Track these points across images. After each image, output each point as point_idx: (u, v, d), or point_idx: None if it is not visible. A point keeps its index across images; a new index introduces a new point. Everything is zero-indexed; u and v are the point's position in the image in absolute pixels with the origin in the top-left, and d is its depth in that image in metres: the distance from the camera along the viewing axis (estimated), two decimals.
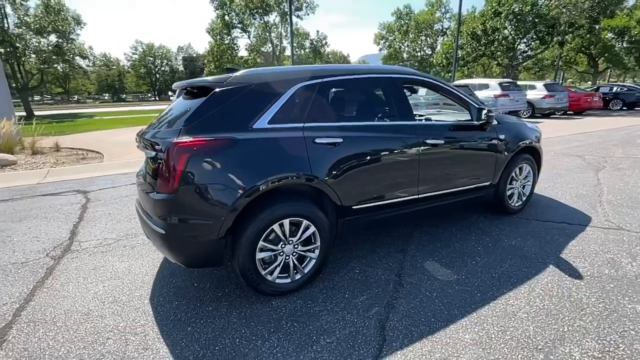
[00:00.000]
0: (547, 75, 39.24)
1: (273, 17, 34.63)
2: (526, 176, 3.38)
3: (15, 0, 21.44)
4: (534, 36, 24.98)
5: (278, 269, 2.05)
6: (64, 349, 1.71)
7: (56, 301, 2.13)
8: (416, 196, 2.56)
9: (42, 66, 24.34)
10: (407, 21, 38.83)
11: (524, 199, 3.43)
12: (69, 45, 23.81)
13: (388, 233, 2.99)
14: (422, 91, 8.50)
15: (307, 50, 37.97)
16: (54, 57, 23.46)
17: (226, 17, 33.77)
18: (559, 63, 29.04)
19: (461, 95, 2.87)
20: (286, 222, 1.98)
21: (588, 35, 23.27)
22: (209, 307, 2.02)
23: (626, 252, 2.54)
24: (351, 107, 2.56)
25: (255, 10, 32.88)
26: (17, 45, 21.27)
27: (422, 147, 2.47)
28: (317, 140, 2.04)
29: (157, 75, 61.50)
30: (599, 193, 3.98)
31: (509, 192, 3.26)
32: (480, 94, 11.82)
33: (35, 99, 49.62)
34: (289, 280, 2.10)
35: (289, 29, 19.18)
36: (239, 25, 34.63)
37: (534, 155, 3.39)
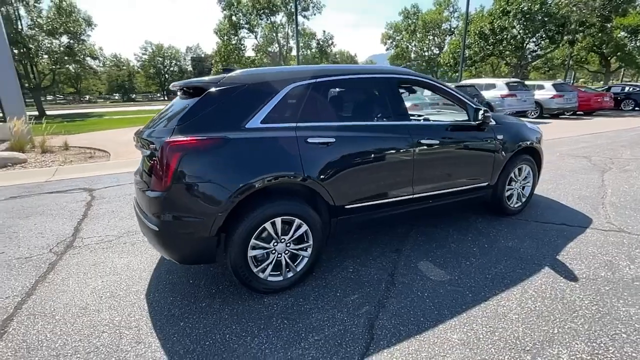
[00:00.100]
0: (559, 75, 38.57)
1: (280, 17, 34.80)
2: (526, 177, 3.35)
3: (29, 2, 21.98)
4: (544, 35, 24.59)
5: (270, 267, 2.08)
6: (61, 341, 1.76)
7: (56, 295, 2.19)
8: (411, 196, 2.56)
9: (53, 66, 24.90)
10: (414, 20, 38.61)
11: (523, 200, 3.40)
12: (79, 46, 24.30)
13: (384, 233, 2.99)
14: (427, 91, 8.50)
15: (313, 50, 38.02)
16: (65, 57, 23.99)
17: (233, 18, 34.01)
18: (570, 62, 28.51)
19: (458, 95, 2.86)
20: (278, 220, 2.01)
21: (600, 34, 22.81)
22: (202, 304, 2.06)
23: (625, 255, 2.51)
24: (345, 107, 2.58)
25: (262, 11, 33.06)
26: (30, 46, 21.82)
27: (416, 147, 2.47)
28: (310, 140, 2.06)
29: (166, 75, 62.23)
30: (602, 195, 3.91)
31: (507, 193, 3.23)
32: (487, 94, 11.70)
33: (48, 98, 50.83)
34: (281, 278, 2.13)
35: (295, 29, 19.23)
36: (246, 25, 34.86)
37: (534, 156, 3.35)
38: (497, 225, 3.13)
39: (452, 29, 36.65)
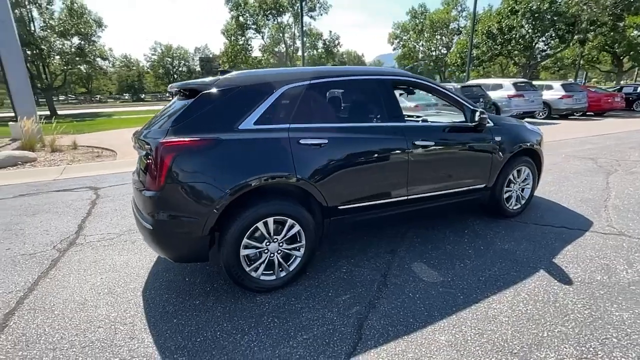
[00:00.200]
0: (570, 75, 37.88)
1: (286, 18, 34.95)
2: (525, 179, 3.32)
3: (42, 4, 22.48)
4: (553, 34, 24.16)
5: (263, 266, 2.11)
6: (58, 335, 1.82)
7: (57, 291, 2.26)
8: (405, 197, 2.57)
9: (65, 67, 25.43)
10: (422, 20, 38.34)
11: (522, 202, 3.37)
12: (90, 47, 24.76)
13: (380, 233, 3.00)
14: None
15: (319, 50, 38.05)
16: (76, 58, 24.46)
17: (240, 18, 34.26)
18: (580, 62, 27.97)
19: (454, 97, 2.85)
20: (270, 220, 2.04)
21: (611, 33, 22.32)
22: (196, 301, 2.11)
23: (623, 259, 2.47)
24: (339, 109, 2.60)
25: (269, 11, 33.23)
26: (43, 47, 22.30)
27: (411, 149, 2.48)
28: (302, 141, 2.09)
29: (175, 75, 62.97)
30: (605, 197, 3.85)
31: (506, 195, 3.21)
32: (494, 95, 11.57)
33: (60, 98, 51.88)
34: (274, 277, 2.16)
35: (301, 29, 19.31)
36: (253, 26, 35.09)
37: (533, 158, 3.32)
38: (494, 228, 3.11)
39: (460, 29, 36.28)
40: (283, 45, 36.60)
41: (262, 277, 2.12)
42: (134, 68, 62.81)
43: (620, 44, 23.85)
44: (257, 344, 1.73)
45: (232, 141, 1.93)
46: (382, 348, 1.68)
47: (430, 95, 3.07)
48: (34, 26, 22.81)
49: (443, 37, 38.55)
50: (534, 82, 13.44)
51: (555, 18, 22.10)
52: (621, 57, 25.92)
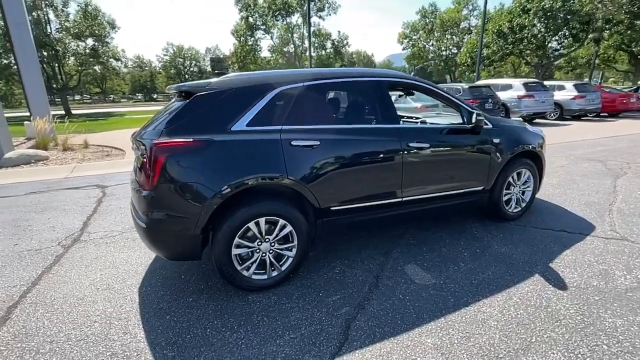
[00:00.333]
0: (585, 75, 36.88)
1: (295, 18, 35.03)
2: (525, 182, 3.27)
3: (58, 7, 23.14)
4: (566, 33, 23.60)
5: (254, 265, 2.14)
6: (56, 329, 1.89)
7: (58, 286, 2.34)
8: (400, 199, 2.56)
9: (79, 68, 26.11)
10: (432, 19, 37.92)
11: (523, 205, 3.32)
12: (104, 48, 25.35)
13: (375, 235, 3.00)
14: None
15: (328, 50, 38.03)
16: (90, 59, 25.09)
17: (250, 19, 34.53)
18: (595, 62, 27.22)
19: (452, 99, 2.83)
20: (262, 220, 2.07)
21: (628, 32, 21.64)
22: (189, 298, 2.16)
23: (623, 264, 2.42)
24: (332, 111, 2.61)
25: (278, 12, 33.39)
26: (58, 48, 22.93)
27: (405, 151, 2.48)
28: (294, 143, 2.11)
29: (187, 75, 63.90)
30: (611, 201, 3.76)
31: (505, 198, 3.17)
32: (503, 95, 11.39)
33: (75, 98, 53.30)
34: (265, 276, 2.19)
35: (308, 29, 19.35)
36: (262, 26, 35.32)
37: (534, 160, 3.27)
38: (493, 231, 3.08)
39: (471, 28, 35.75)
40: (292, 46, 36.73)
41: (254, 276, 2.15)
42: (147, 68, 64.04)
43: (638, 42, 23.10)
44: (245, 342, 1.76)
45: (225, 142, 1.97)
46: (367, 349, 1.69)
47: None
48: (50, 28, 23.49)
49: (453, 37, 38.02)
50: (546, 82, 13.16)
51: (568, 17, 21.59)
52: (638, 56, 25.11)
